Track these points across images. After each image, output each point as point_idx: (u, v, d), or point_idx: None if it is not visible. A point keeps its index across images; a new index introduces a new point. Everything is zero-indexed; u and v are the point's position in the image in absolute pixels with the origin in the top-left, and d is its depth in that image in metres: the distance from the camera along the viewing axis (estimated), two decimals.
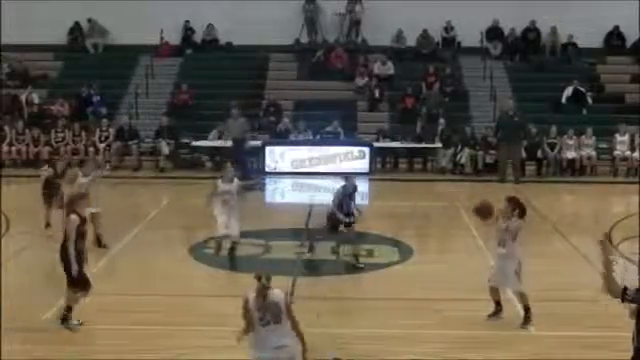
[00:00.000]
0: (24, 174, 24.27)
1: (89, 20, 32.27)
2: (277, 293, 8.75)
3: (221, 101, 28.31)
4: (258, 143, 26.45)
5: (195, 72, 30.94)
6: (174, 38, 32.19)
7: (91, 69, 30.80)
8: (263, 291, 8.64)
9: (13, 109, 28.56)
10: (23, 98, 28.89)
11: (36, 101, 28.88)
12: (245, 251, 16.75)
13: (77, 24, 32.33)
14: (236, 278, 15.19)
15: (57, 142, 26.94)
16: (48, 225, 17.84)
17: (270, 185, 25.43)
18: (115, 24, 31.95)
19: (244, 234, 17.23)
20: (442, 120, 27.39)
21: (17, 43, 30.78)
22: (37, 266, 16.52)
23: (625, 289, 7.72)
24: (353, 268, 15.75)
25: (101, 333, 12.27)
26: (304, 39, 32.09)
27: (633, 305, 7.84)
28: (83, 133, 27.18)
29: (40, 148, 26.86)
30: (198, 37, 32.39)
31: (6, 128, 27.31)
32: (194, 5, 31.25)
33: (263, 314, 8.62)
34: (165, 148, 26.47)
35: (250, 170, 24.97)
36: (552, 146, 26.43)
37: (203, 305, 13.64)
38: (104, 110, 28.49)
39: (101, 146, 26.81)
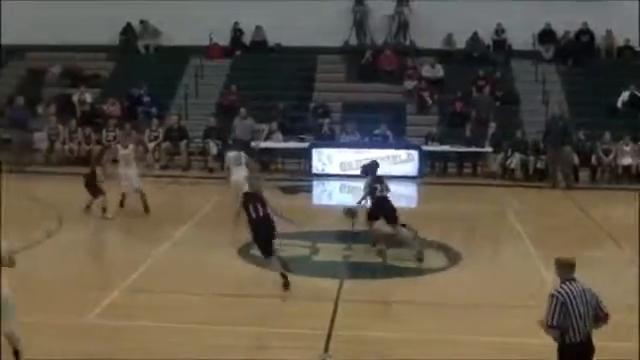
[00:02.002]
0: (75, 172, 24.46)
1: (141, 21, 32.52)
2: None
3: (269, 102, 28.35)
4: (305, 145, 26.43)
5: (244, 73, 31.03)
6: (224, 39, 32.31)
7: (142, 70, 31.04)
8: None
9: (66, 108, 28.86)
10: (76, 98, 29.20)
11: (88, 100, 29.19)
12: (292, 252, 16.75)
13: (129, 25, 32.61)
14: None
15: (108, 141, 27.09)
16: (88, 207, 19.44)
17: (317, 187, 25.38)
18: (166, 25, 32.17)
19: (292, 236, 17.26)
20: (492, 124, 27.13)
21: (71, 43, 31.20)
22: (87, 262, 16.71)
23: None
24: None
25: (149, 330, 12.33)
26: (353, 41, 32.03)
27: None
28: (133, 132, 27.33)
29: (92, 146, 27.09)
30: (247, 38, 32.49)
31: (59, 127, 27.60)
32: (244, 7, 31.33)
33: None
34: (214, 148, 26.53)
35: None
36: (607, 152, 25.95)
37: (248, 305, 13.65)
38: (154, 110, 28.69)
39: (151, 145, 26.97)
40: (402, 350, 11.63)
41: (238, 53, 32.20)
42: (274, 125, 27.05)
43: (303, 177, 25.41)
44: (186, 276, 15.25)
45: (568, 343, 8.74)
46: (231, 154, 20.91)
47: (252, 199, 14.33)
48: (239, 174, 19.44)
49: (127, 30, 32.72)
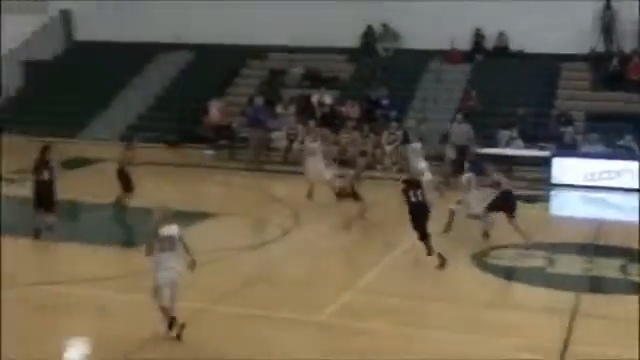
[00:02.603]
0: None
1: (383, 25, 32.77)
2: (173, 228, 11.62)
3: (509, 109, 27.84)
4: (547, 153, 25.71)
5: (484, 79, 30.61)
6: (464, 44, 32.04)
7: (381, 72, 31.25)
8: (162, 225, 11.56)
9: (306, 109, 29.51)
10: (315, 99, 29.77)
11: (328, 102, 29.66)
12: (529, 263, 16.39)
13: (370, 28, 32.93)
14: (517, 289, 14.82)
15: (346, 142, 27.44)
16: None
17: (557, 197, 24.61)
18: (407, 29, 32.26)
19: (528, 246, 16.89)
20: None
21: (312, 45, 31.93)
22: (322, 261, 16.94)
23: None
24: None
25: (380, 332, 12.34)
26: (600, 48, 30.85)
27: None
28: (371, 135, 27.55)
29: (329, 147, 27.45)
30: (489, 44, 32.04)
31: (299, 127, 28.19)
32: (486, 11, 30.91)
33: (162, 243, 11.45)
34: (450, 153, 26.26)
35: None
36: None
37: (478, 313, 13.42)
38: (393, 113, 28.75)
39: (388, 148, 27.03)
40: None
41: (479, 58, 31.82)
42: (514, 132, 26.49)
43: (542, 186, 24.68)
44: (419, 280, 15.19)
45: None
46: (412, 145, 21.08)
47: (412, 185, 16.25)
48: (421, 165, 20.47)
49: (368, 33, 33.07)
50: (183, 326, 11.57)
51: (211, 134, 29.16)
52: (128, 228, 18.44)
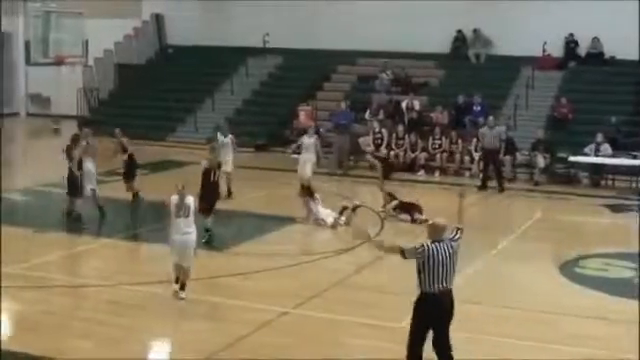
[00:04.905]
0: (400, 178, 24.80)
1: (474, 30, 32.47)
2: (190, 197, 13.57)
3: (601, 116, 27.29)
4: (637, 162, 25.09)
5: (577, 86, 30.08)
6: (557, 51, 31.53)
7: (472, 78, 30.96)
8: (182, 195, 13.47)
9: (394, 114, 29.36)
10: (404, 104, 29.59)
11: (417, 108, 29.47)
12: (617, 273, 16.03)
13: (461, 34, 32.65)
14: (604, 300, 14.47)
15: (434, 149, 27.25)
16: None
17: None
18: (498, 35, 31.95)
19: (616, 256, 16.49)
20: None
21: (402, 50, 31.82)
22: (402, 268, 16.77)
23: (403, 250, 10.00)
24: None
25: (465, 341, 12.15)
26: None
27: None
28: (459, 141, 27.28)
29: (417, 154, 27.31)
30: (582, 50, 31.46)
31: (384, 132, 28.02)
32: (579, 18, 30.36)
33: (180, 210, 13.38)
34: (541, 161, 25.85)
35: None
36: None
37: (561, 324, 13.16)
38: (482, 120, 28.35)
39: (476, 155, 26.68)
40: None
41: (572, 64, 31.26)
42: (599, 137, 25.74)
43: (632, 196, 24.09)
44: (504, 289, 14.98)
45: (424, 292, 10.04)
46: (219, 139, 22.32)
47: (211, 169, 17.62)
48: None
49: (459, 39, 32.79)
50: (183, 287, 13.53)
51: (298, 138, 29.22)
52: (210, 230, 18.41)
